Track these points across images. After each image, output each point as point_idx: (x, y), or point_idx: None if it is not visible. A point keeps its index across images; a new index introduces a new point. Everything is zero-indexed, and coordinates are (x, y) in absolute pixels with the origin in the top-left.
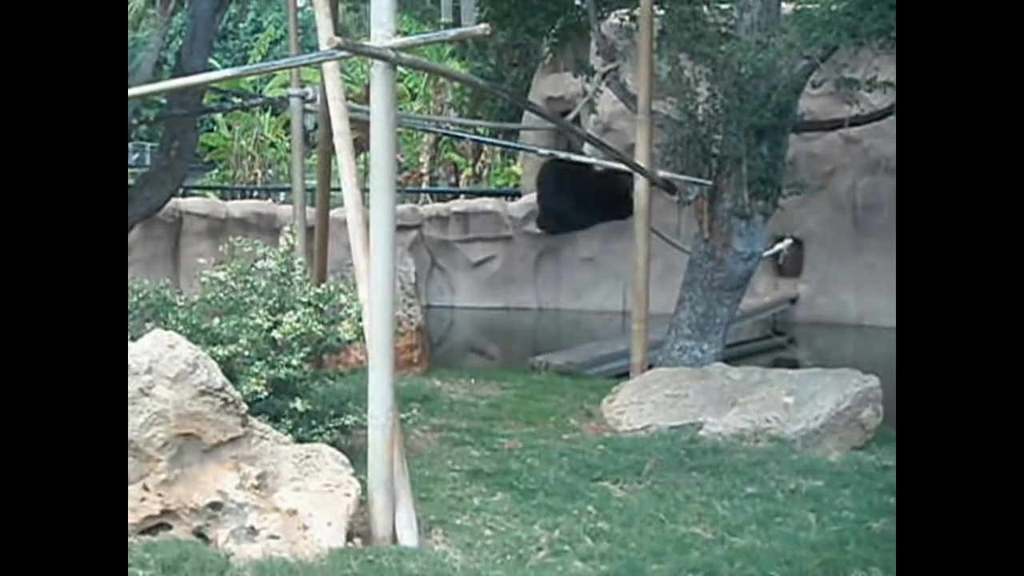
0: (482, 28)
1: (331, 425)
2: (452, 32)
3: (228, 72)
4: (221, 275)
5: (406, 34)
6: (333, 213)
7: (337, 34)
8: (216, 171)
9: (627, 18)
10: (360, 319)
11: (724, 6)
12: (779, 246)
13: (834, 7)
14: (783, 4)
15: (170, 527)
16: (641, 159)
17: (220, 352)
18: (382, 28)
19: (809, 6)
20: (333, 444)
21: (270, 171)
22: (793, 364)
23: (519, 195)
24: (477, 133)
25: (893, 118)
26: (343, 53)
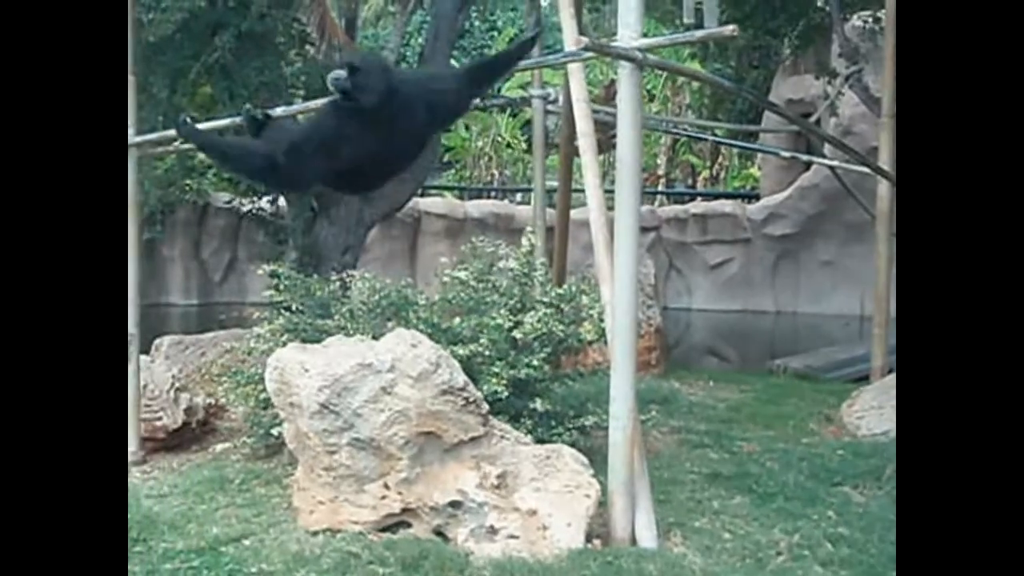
0: (730, 29)
1: (571, 426)
2: (699, 33)
3: None
4: (462, 275)
5: (647, 35)
6: (572, 214)
7: (581, 35)
8: (454, 171)
9: (871, 20)
10: (601, 320)
11: None
12: None
13: None
14: None
15: (410, 525)
16: (884, 162)
17: (461, 352)
18: (629, 29)
19: None
20: (572, 445)
21: (506, 172)
22: None
23: (757, 197)
24: (715, 135)
25: None
26: (589, 54)
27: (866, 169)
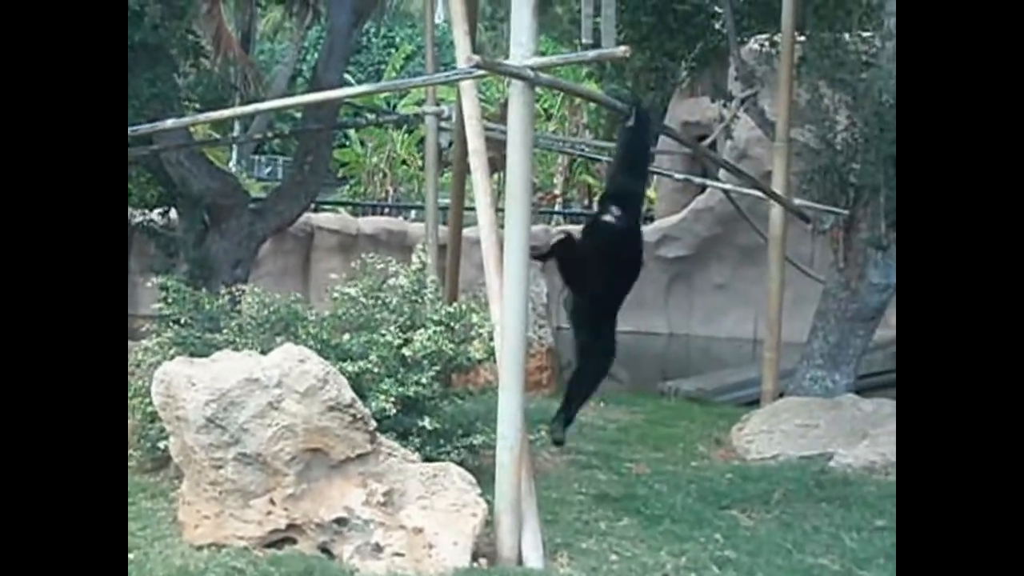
0: (622, 50)
1: (459, 444)
2: (591, 53)
3: (365, 88)
4: (352, 291)
5: (544, 54)
6: (465, 232)
7: (475, 52)
8: (348, 187)
9: (767, 44)
10: (491, 339)
11: (866, 34)
12: None
13: None
14: None
15: (295, 541)
16: (778, 186)
17: (350, 368)
18: (521, 47)
19: None
20: (461, 463)
21: (401, 188)
22: None
23: (652, 219)
24: (611, 155)
25: None
26: (481, 72)
27: (760, 193)
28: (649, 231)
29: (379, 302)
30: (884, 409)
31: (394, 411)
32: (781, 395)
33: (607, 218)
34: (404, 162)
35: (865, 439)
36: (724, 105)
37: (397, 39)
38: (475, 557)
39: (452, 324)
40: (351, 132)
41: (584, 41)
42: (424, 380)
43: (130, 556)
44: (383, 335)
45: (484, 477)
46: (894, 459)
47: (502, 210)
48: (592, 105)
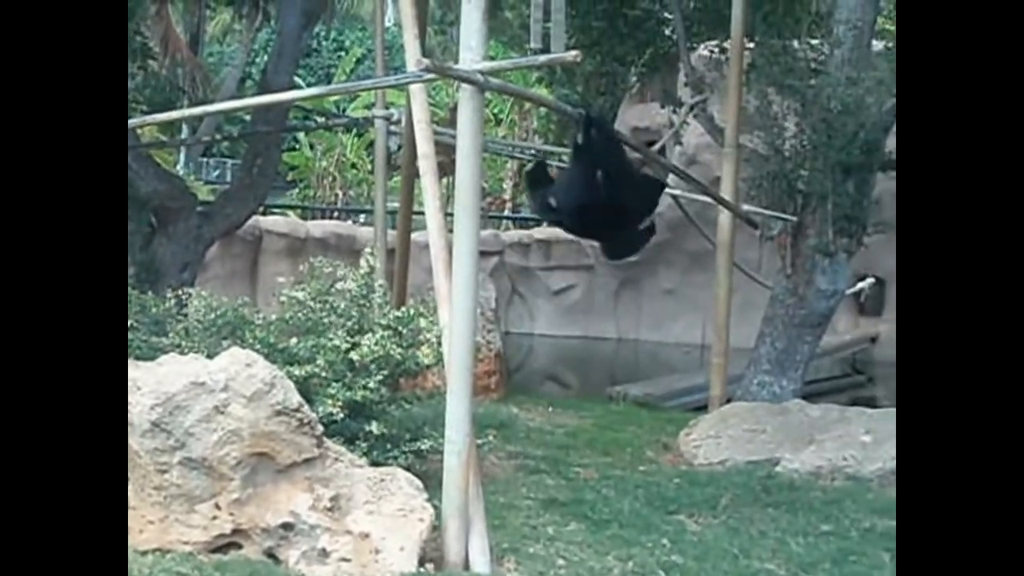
0: (572, 55)
1: (407, 449)
2: (542, 58)
3: (315, 91)
4: (300, 295)
5: (493, 58)
6: (414, 236)
7: (424, 56)
8: (297, 190)
9: (717, 50)
10: (439, 344)
11: (815, 41)
12: (861, 284)
13: None
14: (874, 41)
15: (241, 546)
16: (726, 192)
17: (297, 372)
18: (471, 52)
19: None
20: (408, 468)
21: (351, 192)
22: (872, 403)
23: None
24: (562, 161)
25: None
26: (431, 76)
27: (709, 199)
28: None
29: (327, 306)
30: (831, 415)
31: (341, 416)
32: (729, 400)
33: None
34: (354, 166)
35: (812, 444)
36: (674, 111)
37: (347, 42)
38: (422, 562)
39: (400, 328)
40: (301, 135)
41: (534, 46)
42: (372, 385)
43: None
44: (331, 339)
45: (432, 482)
46: (840, 464)
47: (451, 214)
48: (542, 110)
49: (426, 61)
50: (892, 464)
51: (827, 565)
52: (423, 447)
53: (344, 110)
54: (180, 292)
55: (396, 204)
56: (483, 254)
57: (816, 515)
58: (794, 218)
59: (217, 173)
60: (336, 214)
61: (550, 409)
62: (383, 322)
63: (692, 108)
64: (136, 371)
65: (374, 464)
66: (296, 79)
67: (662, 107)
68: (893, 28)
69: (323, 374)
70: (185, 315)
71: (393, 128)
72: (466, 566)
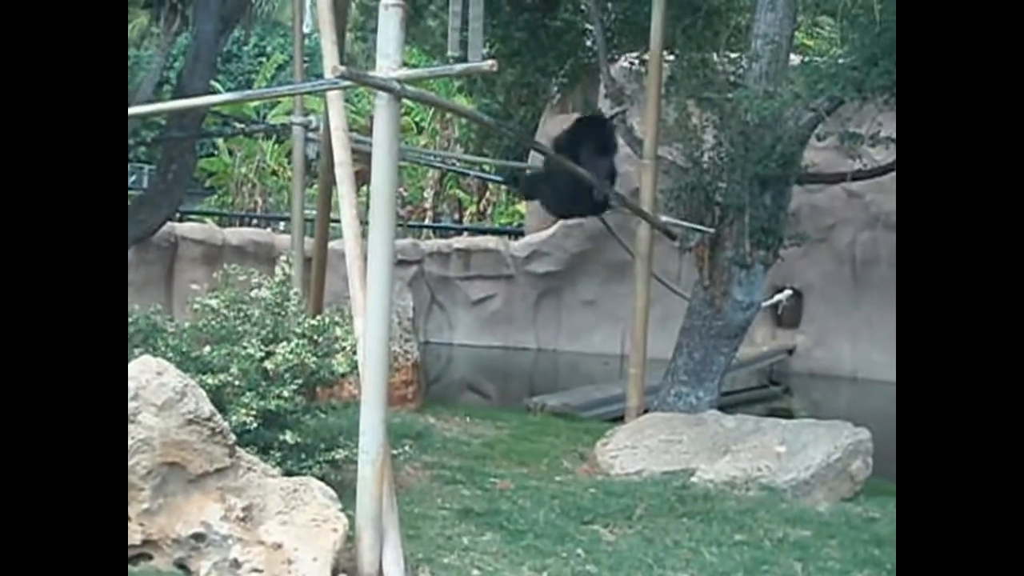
0: (488, 64)
1: (321, 459)
2: (459, 67)
3: (230, 96)
4: (214, 302)
5: (414, 67)
6: (332, 245)
7: (343, 63)
8: (215, 197)
9: (637, 62)
10: (355, 352)
11: (733, 55)
12: (778, 296)
13: (841, 60)
14: (791, 56)
15: (151, 557)
16: (645, 203)
17: (210, 381)
18: (388, 59)
19: (816, 59)
20: (322, 478)
21: (271, 199)
22: (787, 414)
23: (522, 234)
24: (482, 170)
25: (894, 174)
26: (347, 83)
27: (628, 210)
28: (519, 247)
29: (241, 314)
30: (746, 426)
31: (255, 425)
32: (646, 411)
33: None
34: (274, 173)
35: (727, 455)
36: None
37: (268, 48)
38: (335, 573)
39: (316, 337)
40: (219, 142)
41: (452, 54)
42: (286, 394)
43: None
44: (245, 348)
45: (346, 492)
46: (755, 475)
47: (367, 222)
48: (464, 120)
49: (342, 68)
50: (805, 475)
51: (740, 574)
52: (338, 457)
53: (265, 116)
54: None
55: (315, 212)
56: (402, 263)
57: (730, 525)
58: (712, 230)
59: (133, 179)
60: (254, 221)
61: (467, 419)
62: (298, 330)
63: (612, 119)
64: None
65: (288, 474)
66: (215, 84)
67: None
68: (810, 43)
69: (237, 383)
70: None
71: (311, 135)
72: None
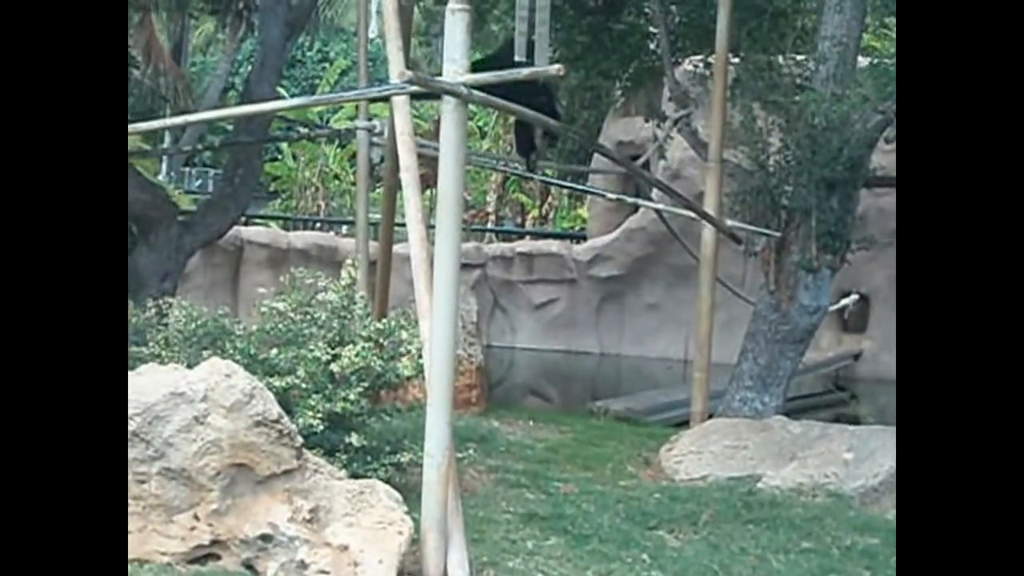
0: (556, 68)
1: (386, 462)
2: (525, 71)
3: (297, 101)
4: (281, 306)
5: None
6: (396, 248)
7: (408, 68)
8: (279, 201)
9: (701, 65)
10: (420, 356)
11: (800, 57)
12: (845, 301)
13: None
14: (859, 57)
15: (219, 557)
16: (710, 207)
17: (277, 383)
18: (454, 64)
19: (884, 60)
20: (387, 481)
21: (333, 203)
22: (854, 420)
23: (584, 238)
24: (545, 175)
25: None
26: (414, 88)
27: (692, 214)
28: (581, 251)
29: (308, 317)
30: (813, 432)
31: (321, 427)
32: (711, 416)
33: None
34: (337, 177)
35: (793, 461)
36: (658, 125)
37: (332, 54)
38: (400, 575)
39: (381, 340)
40: (283, 146)
41: (518, 59)
42: (352, 396)
43: None
44: (311, 350)
45: (411, 495)
46: (822, 481)
47: (434, 226)
48: None
49: (409, 73)
50: (873, 482)
51: None
52: (403, 460)
53: (328, 121)
54: (160, 302)
55: (379, 215)
56: (465, 267)
57: (797, 532)
58: (778, 234)
59: (199, 183)
60: (318, 225)
61: (531, 423)
62: (364, 334)
63: (676, 122)
64: None
65: (354, 476)
66: (280, 90)
67: (646, 121)
68: (878, 45)
69: (303, 385)
70: (165, 325)
71: (375, 140)
72: None
